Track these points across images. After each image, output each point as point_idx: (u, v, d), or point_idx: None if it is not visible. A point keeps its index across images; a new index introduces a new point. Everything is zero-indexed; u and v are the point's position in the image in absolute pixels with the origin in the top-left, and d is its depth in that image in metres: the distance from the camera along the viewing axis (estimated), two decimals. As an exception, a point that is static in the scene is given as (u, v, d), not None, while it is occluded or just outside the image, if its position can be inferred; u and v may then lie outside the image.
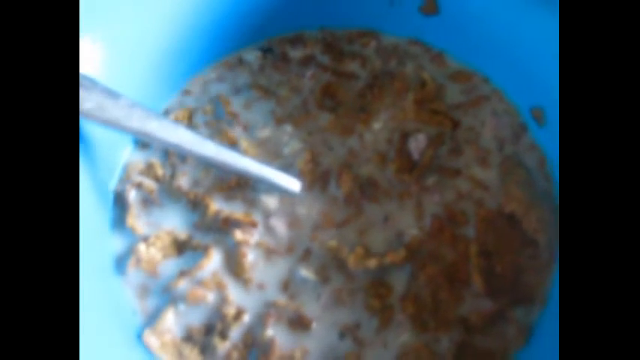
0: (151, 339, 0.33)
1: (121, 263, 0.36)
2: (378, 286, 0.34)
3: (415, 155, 0.37)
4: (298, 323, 0.33)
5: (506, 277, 0.34)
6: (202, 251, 0.35)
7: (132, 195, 0.37)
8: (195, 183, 0.37)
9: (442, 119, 0.38)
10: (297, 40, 0.42)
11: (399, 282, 0.34)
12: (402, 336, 0.33)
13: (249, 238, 0.35)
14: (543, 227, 0.35)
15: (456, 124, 0.38)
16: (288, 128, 0.39)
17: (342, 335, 0.33)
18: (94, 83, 0.33)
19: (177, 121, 0.39)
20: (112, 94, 0.33)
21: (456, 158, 0.37)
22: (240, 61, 0.42)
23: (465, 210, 0.36)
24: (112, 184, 0.38)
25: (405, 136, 0.38)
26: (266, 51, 0.42)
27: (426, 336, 0.33)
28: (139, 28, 0.37)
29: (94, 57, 0.36)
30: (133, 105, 0.33)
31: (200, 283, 0.35)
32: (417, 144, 0.37)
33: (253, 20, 0.41)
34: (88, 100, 0.32)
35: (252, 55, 0.42)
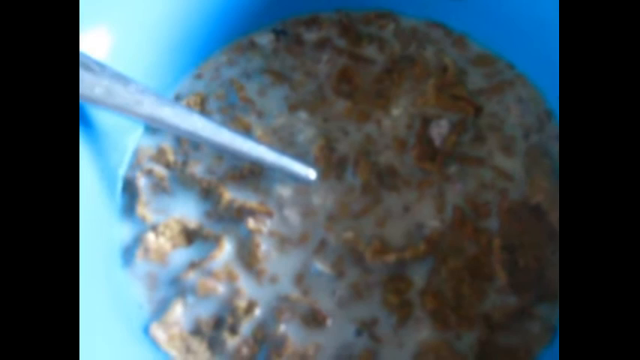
0: (158, 332, 0.32)
1: (128, 253, 0.35)
2: (396, 280, 0.33)
3: (437, 142, 0.36)
4: (312, 319, 0.32)
5: (530, 272, 0.33)
6: (213, 241, 0.34)
7: (142, 182, 0.36)
8: (209, 171, 0.36)
9: (464, 105, 0.37)
10: (312, 22, 0.41)
11: (418, 276, 0.33)
12: (422, 333, 0.32)
13: (262, 227, 0.34)
14: (570, 220, 0.34)
15: (478, 111, 0.37)
16: (303, 115, 0.37)
17: (358, 332, 0.32)
18: (103, 68, 0.32)
19: (190, 107, 0.38)
20: (122, 79, 0.32)
21: (478, 146, 0.36)
22: (253, 44, 0.40)
23: (488, 201, 0.34)
24: (122, 171, 0.37)
25: (426, 122, 0.36)
26: (279, 33, 0.41)
27: (446, 333, 0.32)
28: (148, 11, 0.36)
29: (102, 41, 0.34)
30: (144, 90, 0.32)
31: (211, 273, 0.33)
32: (440, 130, 0.36)
33: (266, 1, 0.40)
34: (97, 86, 0.31)
35: (264, 38, 0.41)
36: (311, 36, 0.40)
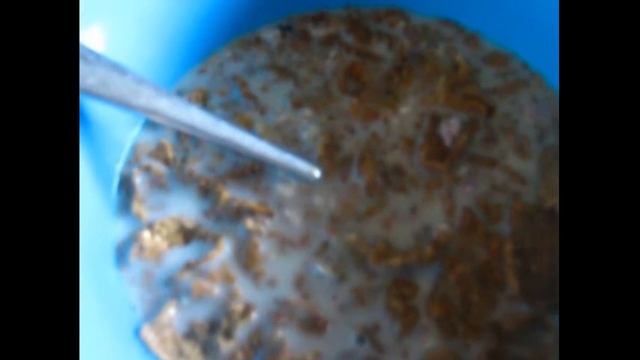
0: (149, 335, 0.31)
1: (122, 252, 0.34)
2: (401, 285, 0.31)
3: (447, 141, 0.34)
4: (312, 324, 0.31)
5: (543, 279, 0.31)
6: (211, 241, 0.33)
7: (139, 179, 0.35)
8: (209, 168, 0.35)
9: (476, 104, 0.36)
10: (319, 18, 0.40)
11: (425, 282, 0.31)
12: (427, 342, 0.30)
13: (262, 227, 0.33)
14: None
15: (490, 110, 0.35)
16: (307, 112, 0.36)
17: (360, 339, 0.31)
18: (98, 57, 0.31)
19: (189, 100, 0.37)
20: (118, 69, 0.31)
21: (490, 147, 0.34)
22: (258, 40, 0.39)
23: (500, 204, 0.33)
24: (119, 167, 0.36)
25: (435, 121, 0.35)
26: (285, 29, 0.40)
27: (453, 342, 0.30)
28: (152, 4, 0.35)
29: (100, 32, 0.33)
30: (141, 81, 0.31)
31: (207, 275, 0.32)
32: (450, 128, 0.35)
33: (273, -4, 0.39)
34: (91, 76, 0.30)
35: (270, 34, 0.40)
36: (318, 32, 0.39)
